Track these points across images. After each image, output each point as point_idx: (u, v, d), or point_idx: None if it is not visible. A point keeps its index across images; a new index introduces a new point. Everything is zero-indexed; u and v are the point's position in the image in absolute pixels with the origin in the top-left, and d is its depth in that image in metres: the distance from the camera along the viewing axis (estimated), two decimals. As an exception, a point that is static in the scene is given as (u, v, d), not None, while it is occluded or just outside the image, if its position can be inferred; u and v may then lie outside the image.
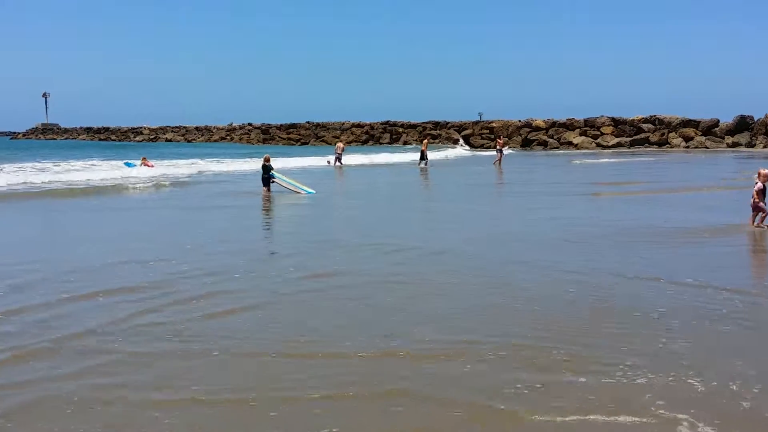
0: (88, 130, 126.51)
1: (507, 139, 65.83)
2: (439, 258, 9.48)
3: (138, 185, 22.27)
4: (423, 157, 34.24)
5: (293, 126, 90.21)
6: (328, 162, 36.84)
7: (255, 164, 33.69)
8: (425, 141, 37.11)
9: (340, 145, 38.22)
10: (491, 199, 19.21)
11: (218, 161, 38.66)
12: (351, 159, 39.55)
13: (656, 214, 13.73)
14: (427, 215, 15.44)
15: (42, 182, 23.09)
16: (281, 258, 9.70)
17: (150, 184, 22.97)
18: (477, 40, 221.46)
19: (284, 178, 20.30)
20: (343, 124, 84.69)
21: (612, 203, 17.01)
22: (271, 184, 19.57)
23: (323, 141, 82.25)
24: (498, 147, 37.73)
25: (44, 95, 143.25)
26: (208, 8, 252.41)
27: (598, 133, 63.03)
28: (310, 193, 19.07)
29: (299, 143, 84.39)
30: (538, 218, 13.54)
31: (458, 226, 12.79)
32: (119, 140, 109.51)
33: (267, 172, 19.56)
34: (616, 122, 63.36)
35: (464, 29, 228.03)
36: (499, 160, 35.55)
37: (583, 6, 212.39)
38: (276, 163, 33.31)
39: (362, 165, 38.37)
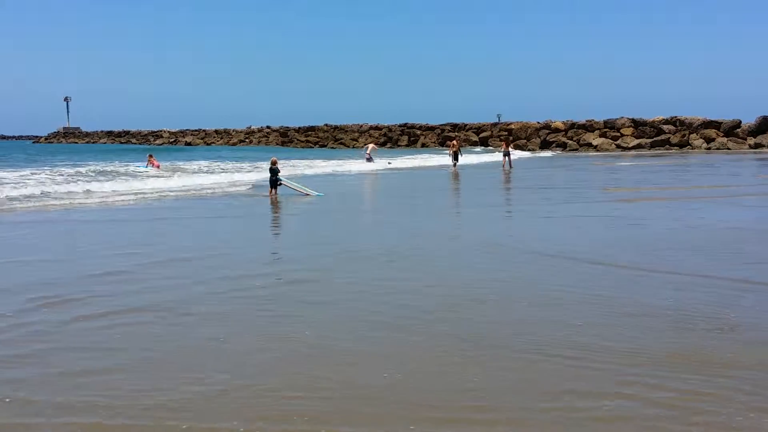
0: (109, 133, 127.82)
1: (526, 140, 65.77)
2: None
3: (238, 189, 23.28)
4: (455, 158, 34.51)
5: (311, 128, 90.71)
6: (389, 162, 39.57)
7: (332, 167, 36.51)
8: (455, 142, 36.15)
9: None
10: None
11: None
12: (402, 162, 41.05)
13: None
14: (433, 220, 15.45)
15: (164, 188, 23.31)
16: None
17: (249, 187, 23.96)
18: (495, 41, 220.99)
19: (294, 184, 21.10)
20: (361, 126, 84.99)
21: (739, 206, 15.88)
22: (279, 187, 20.30)
23: (341, 143, 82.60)
24: (504, 150, 35.88)
25: (66, 99, 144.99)
26: (224, 11, 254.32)
27: (618, 134, 62.60)
28: (318, 195, 19.74)
29: (317, 146, 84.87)
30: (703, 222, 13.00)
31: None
32: (140, 143, 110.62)
33: (274, 174, 20.32)
34: (636, 123, 62.88)
35: (483, 30, 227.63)
36: (505, 163, 34.39)
37: (601, 6, 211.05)
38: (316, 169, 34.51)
39: (405, 168, 37.95)
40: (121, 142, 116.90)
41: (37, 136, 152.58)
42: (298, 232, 13.84)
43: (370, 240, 11.59)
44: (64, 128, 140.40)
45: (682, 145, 58.45)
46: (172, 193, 21.48)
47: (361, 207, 18.87)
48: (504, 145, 37.31)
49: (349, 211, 17.23)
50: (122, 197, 19.98)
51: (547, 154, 57.01)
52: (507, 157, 35.16)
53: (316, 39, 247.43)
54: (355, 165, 38.56)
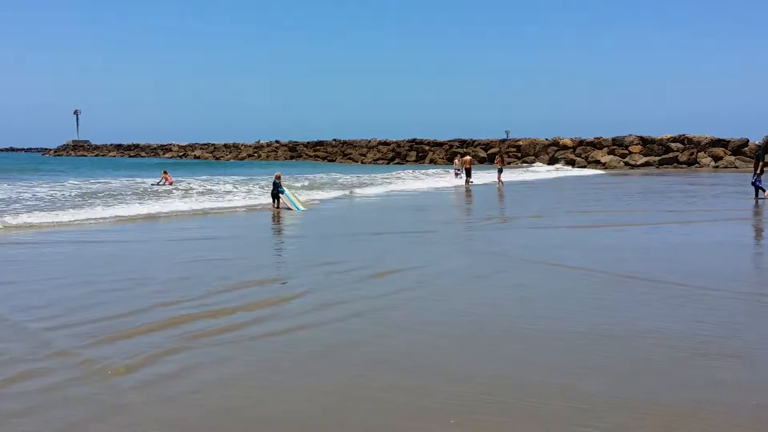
0: (118, 146, 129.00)
1: (534, 157, 66.23)
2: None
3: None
4: (468, 174, 34.57)
5: (320, 143, 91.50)
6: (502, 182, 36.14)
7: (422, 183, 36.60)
8: (468, 158, 36.00)
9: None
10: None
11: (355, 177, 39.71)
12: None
13: None
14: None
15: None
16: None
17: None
18: (503, 56, 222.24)
19: (289, 195, 21.84)
20: (370, 141, 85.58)
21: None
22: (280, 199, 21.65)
23: (350, 158, 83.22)
24: (498, 167, 35.18)
25: (75, 112, 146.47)
26: (231, 25, 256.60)
27: (626, 152, 62.98)
28: (299, 209, 20.92)
29: (326, 160, 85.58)
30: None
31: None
32: (148, 156, 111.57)
33: (276, 188, 21.57)
34: (644, 141, 63.26)
35: (490, 44, 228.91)
36: (499, 180, 34.22)
37: (612, 21, 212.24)
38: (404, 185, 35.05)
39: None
40: (131, 156, 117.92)
41: (46, 149, 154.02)
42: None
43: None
44: (74, 141, 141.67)
45: (690, 163, 58.84)
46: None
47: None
48: (498, 162, 36.14)
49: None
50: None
51: (600, 171, 54.62)
52: (500, 174, 34.89)
53: (325, 55, 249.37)
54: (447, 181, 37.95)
